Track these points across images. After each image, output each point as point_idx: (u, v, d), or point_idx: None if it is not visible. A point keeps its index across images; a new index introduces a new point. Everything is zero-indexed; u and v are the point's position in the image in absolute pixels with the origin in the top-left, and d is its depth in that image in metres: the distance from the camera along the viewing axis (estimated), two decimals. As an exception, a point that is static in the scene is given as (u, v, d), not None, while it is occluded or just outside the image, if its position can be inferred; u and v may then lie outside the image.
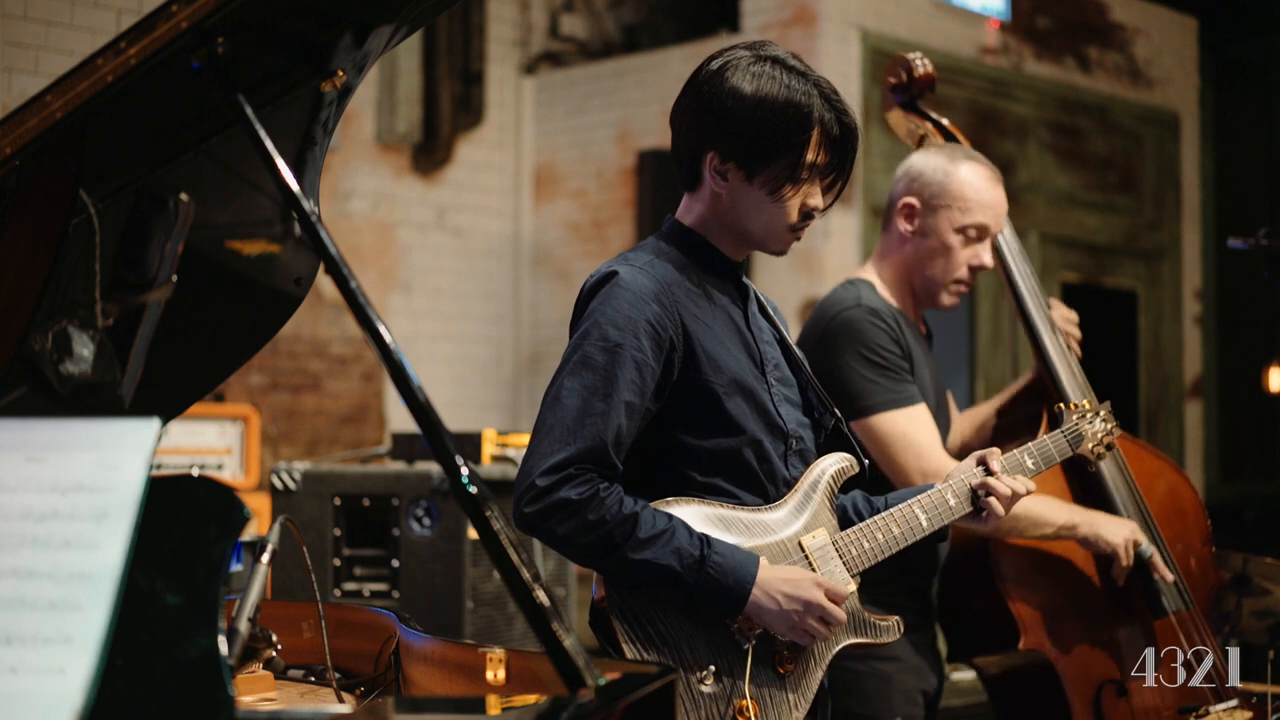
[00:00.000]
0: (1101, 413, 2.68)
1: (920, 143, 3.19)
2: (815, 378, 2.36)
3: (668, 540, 2.04)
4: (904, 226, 2.91)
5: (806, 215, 2.22)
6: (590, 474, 2.05)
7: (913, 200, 2.90)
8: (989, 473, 2.34)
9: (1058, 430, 2.60)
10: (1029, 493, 2.36)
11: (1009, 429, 3.09)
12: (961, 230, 2.87)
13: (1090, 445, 2.64)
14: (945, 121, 3.18)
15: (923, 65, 3.15)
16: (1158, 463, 3.11)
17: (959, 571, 2.94)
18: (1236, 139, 8.34)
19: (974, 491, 2.32)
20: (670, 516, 2.08)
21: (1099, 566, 2.94)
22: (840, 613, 2.11)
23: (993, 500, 2.31)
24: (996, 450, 2.38)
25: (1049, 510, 2.83)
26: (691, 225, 2.26)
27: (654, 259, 2.20)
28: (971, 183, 2.88)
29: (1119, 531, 2.85)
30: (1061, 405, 2.67)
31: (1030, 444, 2.51)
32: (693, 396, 2.15)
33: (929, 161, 2.92)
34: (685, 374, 2.15)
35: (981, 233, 2.89)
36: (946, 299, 2.94)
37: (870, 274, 2.99)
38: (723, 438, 2.16)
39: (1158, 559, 2.90)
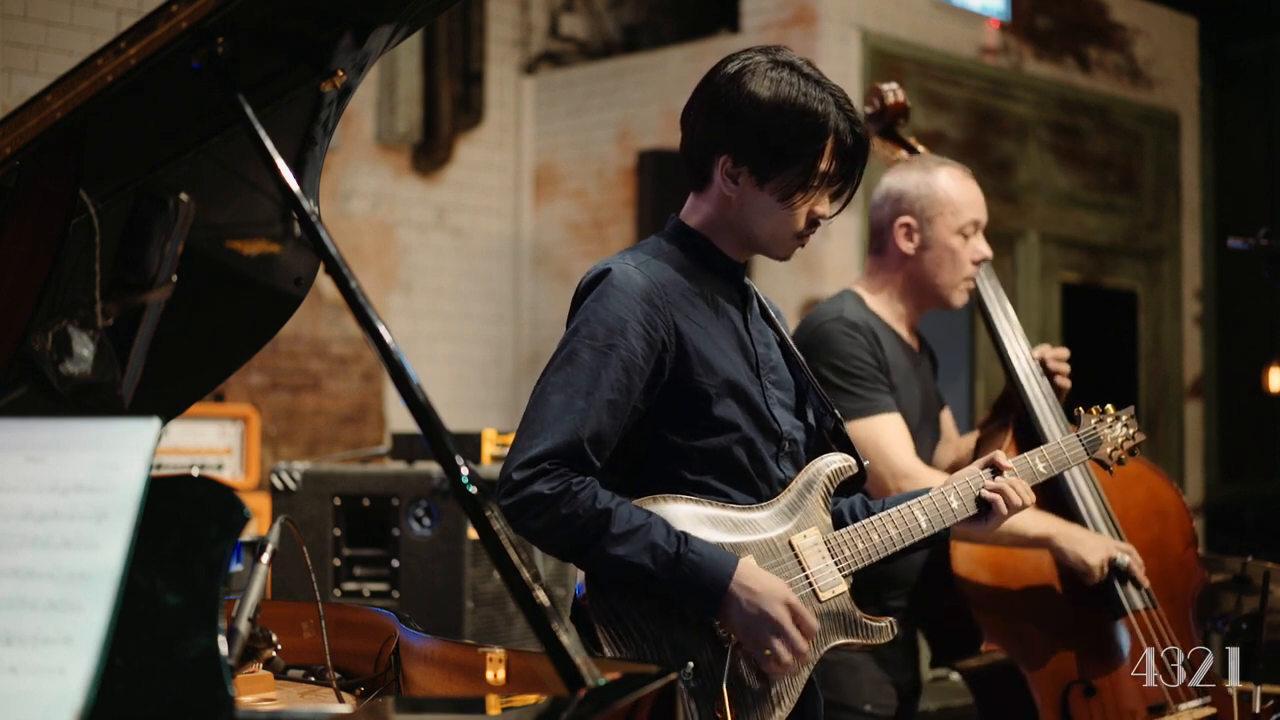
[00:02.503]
0: (1124, 418, 2.65)
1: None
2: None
3: (643, 536, 2.04)
4: (906, 246, 3.01)
5: (813, 223, 2.22)
6: (563, 469, 2.04)
7: (908, 220, 3.01)
8: (997, 474, 2.33)
9: (1074, 434, 2.58)
10: (1031, 503, 2.35)
11: (984, 440, 3.12)
12: (960, 231, 3.00)
13: (1109, 450, 2.61)
14: (921, 148, 3.27)
15: (893, 95, 3.29)
16: (1137, 466, 3.08)
17: (929, 576, 2.96)
18: (1236, 139, 8.34)
19: (980, 494, 2.31)
20: (648, 513, 2.08)
21: (1059, 567, 2.92)
22: (800, 642, 2.06)
23: (999, 500, 2.30)
24: (1001, 452, 2.38)
25: (1025, 519, 2.80)
26: (696, 226, 2.26)
27: (651, 258, 2.20)
28: (954, 185, 3.02)
29: (1097, 551, 2.84)
30: (1081, 408, 2.67)
31: (1043, 447, 2.50)
32: (683, 397, 2.15)
33: (907, 178, 3.04)
34: (676, 374, 2.14)
35: (976, 227, 3.03)
36: (958, 298, 3.05)
37: (861, 288, 3.08)
38: (713, 437, 2.16)
39: (1136, 566, 2.86)
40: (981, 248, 3.03)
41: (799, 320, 3.15)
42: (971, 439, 3.22)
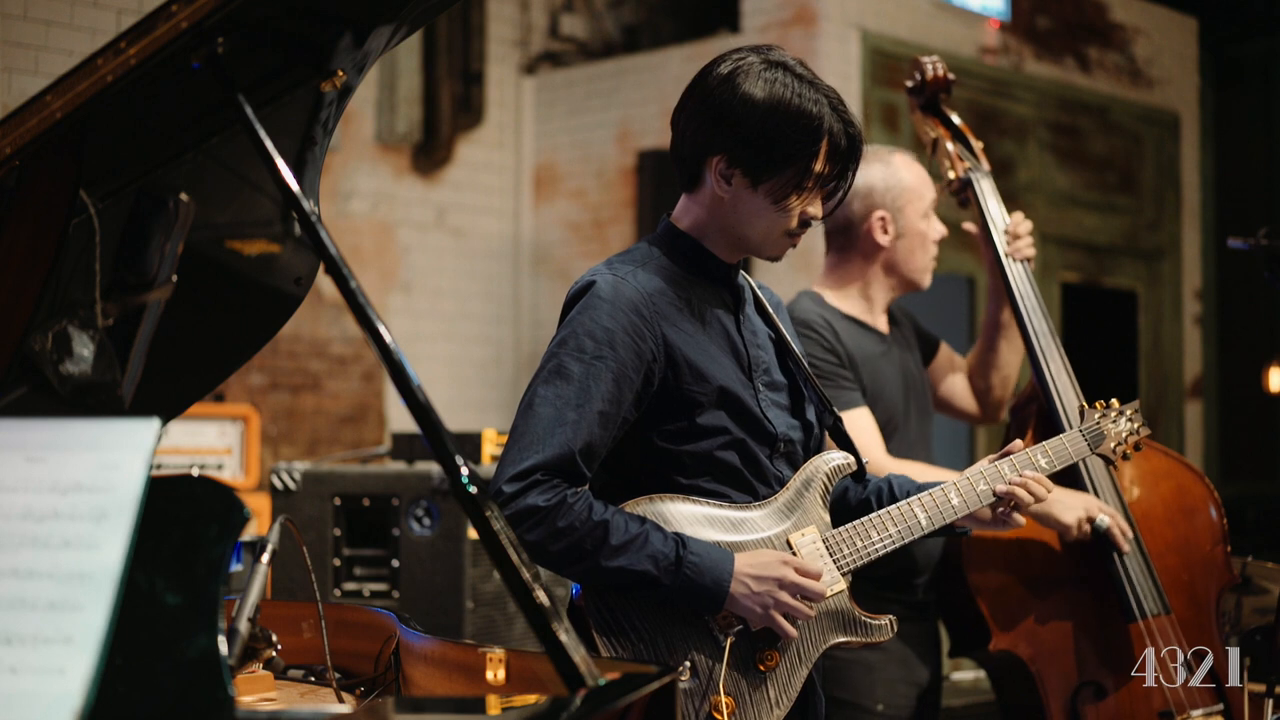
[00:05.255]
0: (1128, 412, 2.62)
1: (933, 147, 3.23)
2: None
3: (641, 545, 2.04)
4: (883, 239, 3.04)
5: (804, 223, 2.22)
6: (556, 481, 2.04)
7: (883, 213, 3.04)
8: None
9: (1076, 429, 2.56)
10: (1049, 494, 2.34)
11: (1011, 430, 3.12)
12: (924, 215, 3.06)
13: (1113, 445, 2.57)
14: (958, 121, 3.23)
15: (933, 68, 3.21)
16: (1167, 462, 3.06)
17: (943, 568, 2.96)
18: (1236, 139, 8.34)
19: (995, 495, 2.30)
20: (643, 520, 2.08)
21: (1072, 566, 2.91)
22: (815, 585, 2.10)
23: (1014, 501, 2.30)
24: (1020, 442, 2.39)
25: None
26: (687, 229, 2.26)
27: (638, 267, 2.19)
28: (909, 170, 3.07)
29: (1073, 509, 2.82)
30: (1085, 403, 2.65)
31: (1046, 442, 2.47)
32: (674, 405, 2.15)
33: (870, 172, 3.04)
34: (666, 384, 2.14)
35: (933, 205, 3.09)
36: (928, 279, 3.11)
37: (820, 287, 3.11)
38: (703, 441, 2.16)
39: (1115, 531, 2.84)
40: (939, 226, 3.09)
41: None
42: (972, 357, 3.31)
